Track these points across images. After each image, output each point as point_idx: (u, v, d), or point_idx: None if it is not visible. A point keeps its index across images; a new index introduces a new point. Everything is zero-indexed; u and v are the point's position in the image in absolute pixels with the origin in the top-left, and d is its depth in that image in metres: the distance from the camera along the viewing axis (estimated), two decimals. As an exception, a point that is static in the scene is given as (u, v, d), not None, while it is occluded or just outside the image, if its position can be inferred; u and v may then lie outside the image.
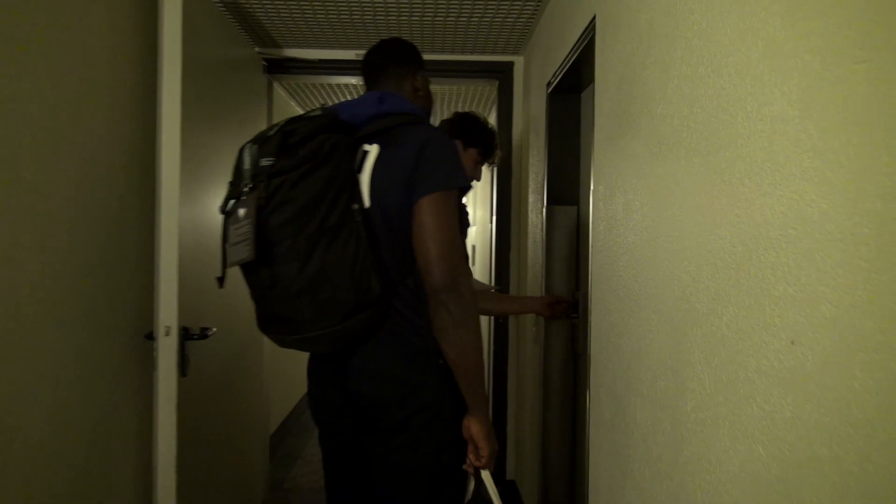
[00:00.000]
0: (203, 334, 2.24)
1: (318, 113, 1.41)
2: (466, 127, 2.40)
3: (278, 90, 4.08)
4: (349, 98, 4.30)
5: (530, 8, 2.72)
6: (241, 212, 1.33)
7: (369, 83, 1.68)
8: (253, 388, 3.07)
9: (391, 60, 1.65)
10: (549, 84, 2.58)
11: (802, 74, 0.82)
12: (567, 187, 2.59)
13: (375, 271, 1.37)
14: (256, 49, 3.24)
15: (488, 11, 2.77)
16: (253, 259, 1.30)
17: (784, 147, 0.85)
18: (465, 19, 2.87)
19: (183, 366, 2.17)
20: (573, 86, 2.49)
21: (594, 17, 1.87)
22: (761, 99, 0.90)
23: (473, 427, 1.43)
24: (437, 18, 2.86)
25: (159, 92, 2.07)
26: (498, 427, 3.46)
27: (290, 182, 1.30)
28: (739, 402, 0.95)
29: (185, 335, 2.18)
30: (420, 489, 1.46)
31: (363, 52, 3.40)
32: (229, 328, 2.63)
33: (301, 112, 4.64)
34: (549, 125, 2.60)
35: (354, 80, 3.52)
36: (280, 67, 3.33)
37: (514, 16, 2.82)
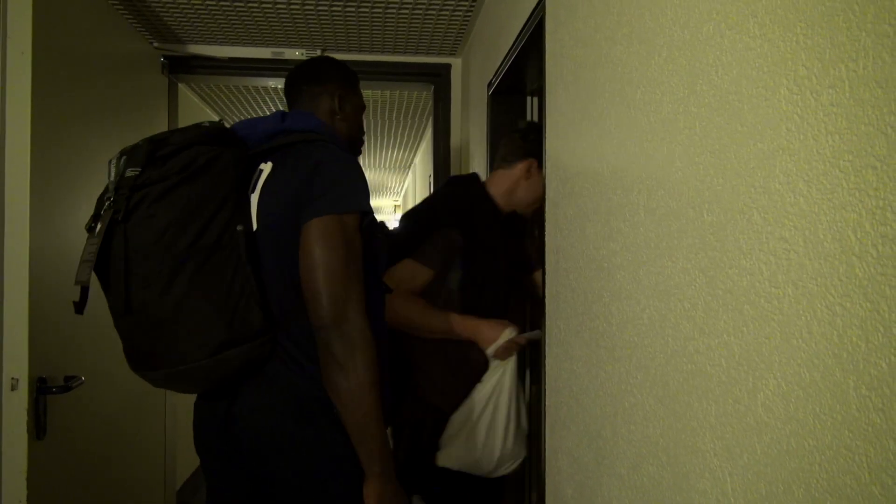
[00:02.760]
0: (66, 386, 1.80)
1: (207, 124, 1.26)
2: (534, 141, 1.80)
3: (189, 94, 3.63)
4: (272, 103, 3.90)
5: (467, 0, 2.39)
6: (98, 227, 1.16)
7: (289, 104, 1.52)
8: (152, 440, 2.61)
9: (303, 79, 1.49)
10: (490, 84, 2.25)
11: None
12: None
13: (257, 302, 1.20)
14: (154, 44, 2.80)
15: (419, 4, 2.42)
16: (86, 283, 1.16)
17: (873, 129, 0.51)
18: (394, 12, 2.51)
19: (38, 426, 1.73)
20: (518, 86, 2.17)
21: (543, -3, 1.54)
22: (833, 55, 0.56)
23: (369, 492, 1.20)
24: (363, 10, 2.49)
25: (1, 89, 1.64)
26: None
27: (153, 195, 1.14)
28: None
29: (42, 388, 1.74)
30: None
31: (281, 50, 3.05)
32: (112, 373, 2.18)
33: (216, 117, 4.22)
34: (492, 132, 2.26)
35: (273, 83, 3.11)
36: (184, 66, 2.89)
37: (450, 8, 2.48)
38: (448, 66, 3.06)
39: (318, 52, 2.94)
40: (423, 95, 3.70)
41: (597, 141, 1.16)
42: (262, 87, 3.50)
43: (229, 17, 2.60)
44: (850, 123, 0.54)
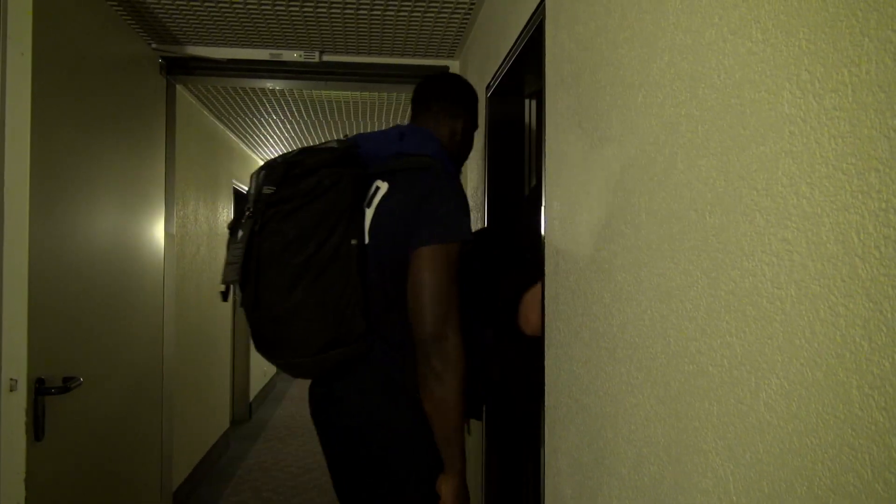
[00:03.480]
0: (65, 387, 1.80)
1: (333, 145, 1.44)
2: None
3: (186, 96, 3.63)
4: (269, 105, 3.90)
5: (466, 2, 2.40)
6: (240, 234, 1.38)
7: (412, 114, 1.65)
8: (148, 442, 2.61)
9: (431, 96, 1.62)
10: (489, 87, 2.26)
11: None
12: (512, 204, 2.26)
13: (361, 311, 1.39)
14: (153, 46, 2.81)
15: (419, 5, 2.43)
16: (237, 282, 1.38)
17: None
18: (392, 14, 2.52)
19: (37, 427, 1.73)
20: (516, 88, 2.18)
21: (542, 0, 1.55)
22: (836, 59, 0.57)
23: (444, 485, 1.38)
24: (361, 12, 2.50)
25: (1, 90, 1.64)
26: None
27: (283, 213, 1.34)
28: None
29: (41, 389, 1.74)
30: None
31: (279, 51, 3.06)
32: (109, 375, 2.18)
33: (213, 119, 4.22)
34: (490, 133, 2.27)
35: (271, 84, 3.11)
36: (183, 68, 2.90)
37: (449, 10, 2.49)
38: (446, 69, 3.07)
39: (317, 54, 2.95)
40: (420, 97, 3.71)
41: (597, 143, 1.17)
42: (260, 89, 3.50)
43: (228, 19, 2.60)
44: (852, 127, 0.55)
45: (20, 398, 1.67)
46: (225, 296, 1.46)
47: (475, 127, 1.68)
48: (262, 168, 1.40)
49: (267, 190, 1.35)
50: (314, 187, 1.35)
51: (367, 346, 1.42)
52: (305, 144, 5.17)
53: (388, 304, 1.42)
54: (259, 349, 1.47)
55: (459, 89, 1.64)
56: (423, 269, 1.34)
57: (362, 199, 1.46)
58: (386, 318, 1.43)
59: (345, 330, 1.37)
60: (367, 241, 1.43)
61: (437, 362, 1.33)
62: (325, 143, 1.45)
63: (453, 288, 1.36)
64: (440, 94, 1.61)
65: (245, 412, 5.59)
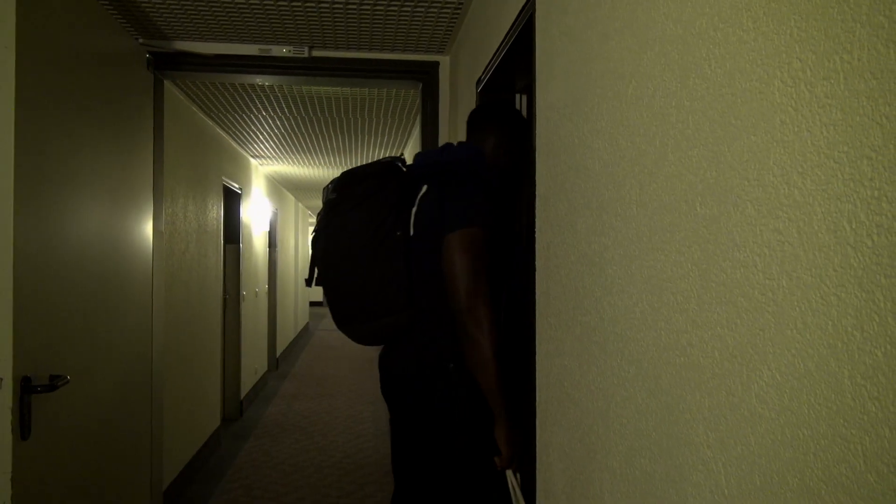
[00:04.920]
0: (52, 385, 1.78)
1: (386, 160, 1.75)
2: None
3: (174, 91, 3.59)
4: (258, 101, 3.88)
5: (457, -4, 2.39)
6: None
7: (467, 136, 1.94)
8: (137, 440, 2.59)
9: (484, 117, 1.89)
10: (479, 81, 2.25)
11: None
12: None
13: (404, 288, 1.67)
14: (140, 40, 2.78)
15: (408, 0, 2.42)
16: (308, 274, 1.81)
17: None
18: (382, 9, 2.50)
19: (23, 426, 1.71)
20: (507, 83, 2.17)
21: (533, -7, 1.54)
22: (827, 46, 0.57)
23: (498, 434, 1.56)
24: (350, 7, 2.48)
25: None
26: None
27: (341, 212, 1.68)
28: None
29: (27, 387, 1.72)
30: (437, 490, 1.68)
31: (268, 47, 3.04)
32: (97, 373, 2.16)
33: (202, 114, 4.19)
34: (480, 128, 2.25)
35: (260, 80, 3.09)
36: (170, 63, 2.87)
37: (439, 5, 2.47)
38: (436, 64, 3.05)
39: (306, 49, 2.92)
40: (410, 93, 3.69)
41: (588, 136, 1.16)
42: (250, 85, 3.48)
43: (216, 14, 2.58)
44: (844, 115, 0.54)
45: (6, 396, 1.65)
46: (308, 282, 1.80)
47: (515, 139, 1.85)
48: (331, 181, 1.75)
49: (331, 195, 1.71)
50: (363, 192, 1.67)
51: (408, 318, 1.68)
52: (295, 140, 5.16)
53: (429, 284, 1.67)
54: (335, 321, 1.78)
55: (503, 111, 1.90)
56: (452, 252, 1.57)
57: (409, 199, 1.75)
58: (427, 295, 1.68)
59: (391, 302, 1.66)
60: (412, 232, 1.72)
61: (472, 329, 1.54)
62: (381, 159, 1.77)
63: (480, 266, 1.57)
64: (486, 115, 1.89)
65: (236, 410, 5.56)
